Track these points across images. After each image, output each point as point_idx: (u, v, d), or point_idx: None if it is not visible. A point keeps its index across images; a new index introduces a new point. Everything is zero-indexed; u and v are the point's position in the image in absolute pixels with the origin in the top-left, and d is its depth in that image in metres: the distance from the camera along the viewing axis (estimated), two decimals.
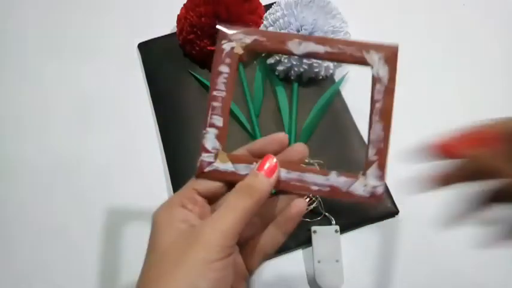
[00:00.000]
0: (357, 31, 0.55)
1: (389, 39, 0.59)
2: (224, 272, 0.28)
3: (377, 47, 0.32)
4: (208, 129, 0.32)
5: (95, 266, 0.48)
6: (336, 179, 0.31)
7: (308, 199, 0.47)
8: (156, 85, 0.56)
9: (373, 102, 0.31)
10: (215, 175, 0.31)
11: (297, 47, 0.31)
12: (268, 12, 0.54)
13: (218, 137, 0.32)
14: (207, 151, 0.31)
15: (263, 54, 0.54)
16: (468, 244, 0.48)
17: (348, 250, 0.46)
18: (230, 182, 0.31)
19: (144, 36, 0.59)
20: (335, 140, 0.51)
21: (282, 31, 0.51)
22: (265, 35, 0.32)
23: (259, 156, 0.31)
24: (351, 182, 0.30)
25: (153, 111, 0.55)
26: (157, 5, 0.62)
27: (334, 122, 0.53)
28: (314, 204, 0.47)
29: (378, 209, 0.48)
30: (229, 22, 0.52)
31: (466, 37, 0.59)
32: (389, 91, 0.31)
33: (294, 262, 0.47)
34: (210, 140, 0.32)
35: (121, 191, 0.51)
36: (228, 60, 0.32)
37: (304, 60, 0.51)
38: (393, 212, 0.48)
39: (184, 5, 0.56)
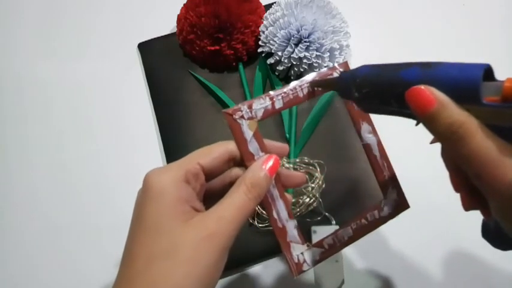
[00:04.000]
0: (357, 31, 0.55)
1: (388, 39, 0.59)
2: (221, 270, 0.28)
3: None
4: (267, 98, 0.32)
5: (95, 267, 0.48)
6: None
7: (308, 199, 0.47)
8: (156, 85, 0.56)
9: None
10: (234, 126, 0.31)
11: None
12: (268, 12, 0.54)
13: (266, 111, 0.32)
14: (250, 109, 0.32)
15: (263, 55, 0.55)
16: (469, 244, 0.48)
17: (348, 250, 0.46)
18: (236, 143, 0.31)
19: (144, 36, 0.59)
20: (334, 140, 0.52)
21: (282, 31, 0.51)
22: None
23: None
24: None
25: (153, 111, 0.55)
26: (157, 5, 0.62)
27: (333, 122, 0.53)
28: (314, 204, 0.47)
29: None
30: (229, 22, 0.53)
31: (466, 37, 0.59)
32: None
33: None
34: (259, 105, 0.32)
35: (120, 191, 0.51)
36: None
37: (304, 60, 0.51)
38: None
39: (184, 5, 0.56)
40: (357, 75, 0.28)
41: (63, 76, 0.58)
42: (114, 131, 0.55)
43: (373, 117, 0.36)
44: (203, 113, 0.54)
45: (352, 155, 0.50)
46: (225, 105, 0.53)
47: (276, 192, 0.31)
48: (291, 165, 0.49)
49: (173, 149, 0.52)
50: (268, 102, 0.32)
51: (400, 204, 0.36)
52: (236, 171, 0.33)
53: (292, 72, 0.53)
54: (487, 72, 0.23)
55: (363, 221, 0.35)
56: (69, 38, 0.61)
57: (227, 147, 0.31)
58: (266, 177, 0.30)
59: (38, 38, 0.61)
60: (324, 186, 0.47)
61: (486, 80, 0.23)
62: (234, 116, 0.31)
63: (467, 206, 0.29)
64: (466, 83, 0.23)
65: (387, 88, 0.26)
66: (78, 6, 0.63)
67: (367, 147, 0.36)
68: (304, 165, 0.49)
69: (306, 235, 0.45)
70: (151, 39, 0.59)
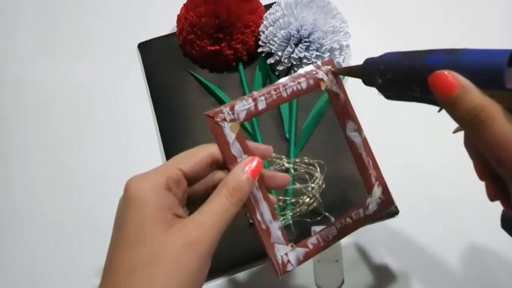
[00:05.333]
0: (357, 31, 0.55)
1: (388, 39, 0.59)
2: (205, 274, 0.28)
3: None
4: (249, 99, 0.31)
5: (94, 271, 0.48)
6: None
7: (308, 199, 0.47)
8: (156, 85, 0.56)
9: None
10: (216, 130, 0.31)
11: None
12: (268, 12, 0.54)
13: (248, 112, 0.31)
14: (232, 110, 0.31)
15: (263, 55, 0.55)
16: (468, 245, 0.48)
17: (348, 250, 0.46)
18: (218, 146, 0.31)
19: (144, 36, 0.59)
20: (334, 140, 0.51)
21: (282, 31, 0.51)
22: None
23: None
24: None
25: (153, 111, 0.55)
26: (157, 5, 0.62)
27: (333, 122, 0.52)
28: (314, 204, 0.47)
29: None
30: (229, 22, 0.53)
31: (466, 37, 0.59)
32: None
33: None
34: (242, 107, 0.31)
35: (120, 191, 0.51)
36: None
37: (304, 60, 0.51)
38: (393, 212, 0.48)
39: (184, 5, 0.56)
40: (381, 62, 0.28)
41: (63, 76, 0.58)
42: (114, 131, 0.55)
43: (359, 117, 0.36)
44: (203, 112, 0.54)
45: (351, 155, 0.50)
46: None
47: (259, 194, 0.31)
48: (291, 165, 0.49)
49: (173, 149, 0.52)
50: (251, 104, 0.31)
51: (386, 203, 0.35)
52: (219, 174, 0.32)
53: (292, 72, 0.53)
54: None
55: (348, 219, 0.34)
56: (69, 38, 0.61)
57: (209, 151, 0.31)
58: (248, 180, 0.29)
59: (37, 38, 0.61)
60: (324, 186, 0.47)
61: (510, 66, 0.23)
62: (215, 118, 0.30)
63: (492, 195, 0.29)
64: (491, 68, 0.23)
65: (411, 74, 0.26)
66: (78, 6, 0.63)
67: (352, 145, 0.35)
68: (304, 165, 0.49)
69: (306, 235, 0.46)
70: (151, 39, 0.59)
